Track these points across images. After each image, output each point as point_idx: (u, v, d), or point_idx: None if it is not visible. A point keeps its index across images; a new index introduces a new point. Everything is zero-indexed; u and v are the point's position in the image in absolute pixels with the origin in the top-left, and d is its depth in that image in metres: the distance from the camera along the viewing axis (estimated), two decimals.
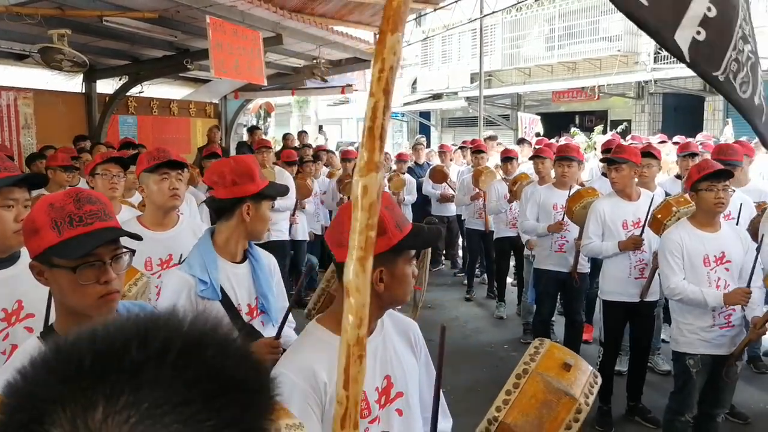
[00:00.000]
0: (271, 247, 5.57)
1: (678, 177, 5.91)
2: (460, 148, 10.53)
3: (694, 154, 6.03)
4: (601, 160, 4.54)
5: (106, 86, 10.66)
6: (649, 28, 1.31)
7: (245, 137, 12.44)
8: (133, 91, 10.59)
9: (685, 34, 1.32)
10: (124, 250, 1.67)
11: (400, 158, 9.77)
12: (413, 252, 1.77)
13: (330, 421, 1.67)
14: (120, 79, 10.41)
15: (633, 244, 4.43)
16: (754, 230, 4.26)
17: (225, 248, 2.54)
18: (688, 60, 1.33)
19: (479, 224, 7.84)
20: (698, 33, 1.33)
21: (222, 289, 2.46)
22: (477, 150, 7.97)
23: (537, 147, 7.56)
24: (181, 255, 2.53)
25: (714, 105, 17.63)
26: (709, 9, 1.33)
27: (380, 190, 0.87)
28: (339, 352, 0.91)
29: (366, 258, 0.84)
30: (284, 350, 2.44)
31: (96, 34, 8.19)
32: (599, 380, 1.48)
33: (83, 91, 10.42)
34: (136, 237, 1.70)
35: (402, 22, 0.85)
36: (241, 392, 0.56)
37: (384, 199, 1.73)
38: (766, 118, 1.43)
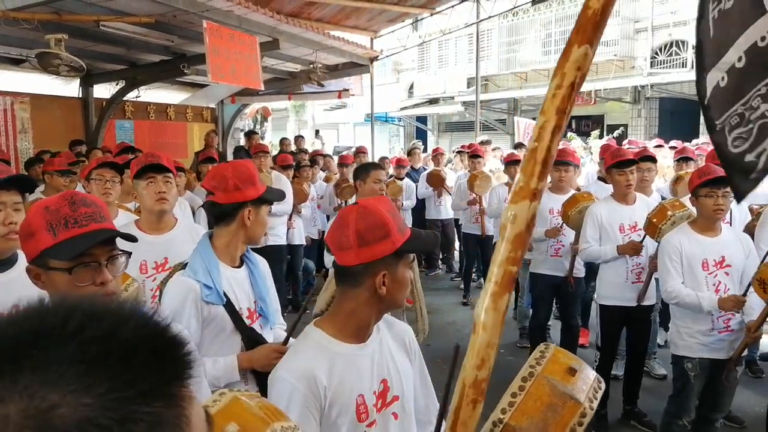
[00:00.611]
0: (268, 251, 5.58)
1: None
2: (458, 152, 10.55)
3: (688, 159, 6.05)
4: (616, 164, 4.53)
5: (103, 91, 10.67)
6: (703, 61, 1.36)
7: (242, 142, 12.45)
8: (130, 95, 10.59)
9: (713, 76, 1.36)
10: (120, 251, 1.66)
11: (399, 163, 9.78)
12: (412, 256, 1.81)
13: (329, 425, 1.69)
14: (117, 84, 10.42)
15: (632, 249, 4.43)
16: (749, 234, 4.27)
17: (225, 253, 2.53)
18: (705, 102, 1.38)
19: (476, 228, 7.85)
20: (722, 79, 1.37)
21: (225, 294, 2.46)
22: (474, 155, 7.98)
23: None
24: (186, 263, 2.53)
25: None
26: (739, 59, 1.36)
27: (533, 221, 0.75)
28: (455, 391, 0.80)
29: (501, 294, 0.75)
30: None
31: (93, 39, 8.21)
32: (603, 386, 1.49)
33: (80, 95, 10.44)
34: (131, 238, 1.70)
35: (597, 35, 0.72)
36: (141, 355, 0.57)
37: (386, 204, 1.75)
38: (755, 175, 1.45)
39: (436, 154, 9.87)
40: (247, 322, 2.51)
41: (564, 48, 0.73)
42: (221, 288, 2.44)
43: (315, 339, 1.77)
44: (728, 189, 3.62)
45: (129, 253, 1.70)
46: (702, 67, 1.37)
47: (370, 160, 10.31)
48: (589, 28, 0.70)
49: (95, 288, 1.57)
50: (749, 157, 1.45)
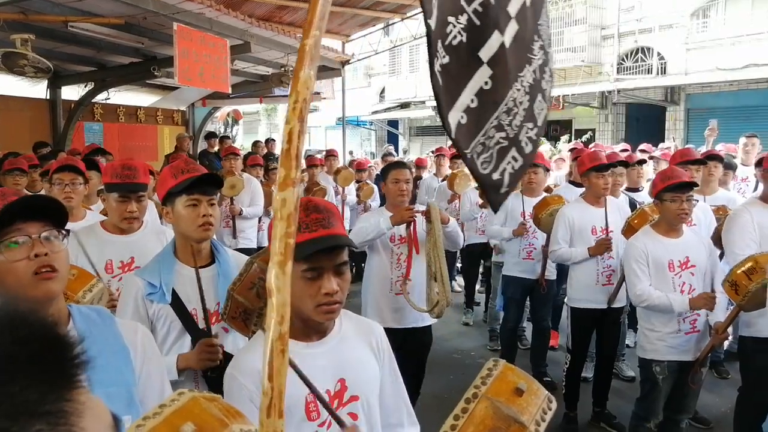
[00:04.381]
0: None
1: (629, 189, 5.99)
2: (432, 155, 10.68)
3: (641, 162, 6.20)
4: (596, 168, 4.60)
5: (72, 93, 10.52)
6: (441, 105, 1.65)
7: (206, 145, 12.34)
8: (99, 97, 10.47)
9: (455, 115, 1.67)
10: (56, 229, 1.57)
11: (360, 167, 9.79)
12: (310, 267, 1.64)
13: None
14: (86, 86, 10.29)
15: (603, 247, 4.49)
16: (717, 237, 4.32)
17: (182, 253, 2.50)
18: (453, 136, 1.68)
19: None
20: (462, 117, 1.69)
21: (176, 294, 2.42)
22: (455, 156, 8.20)
23: None
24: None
25: (675, 115, 18.03)
26: (472, 101, 1.70)
27: (297, 203, 0.97)
28: (264, 347, 0.99)
29: (285, 262, 0.94)
30: (226, 352, 2.39)
31: (61, 40, 8.10)
32: (554, 405, 1.46)
33: (47, 97, 10.28)
34: (57, 205, 1.60)
35: (315, 60, 0.99)
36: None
37: (303, 203, 1.69)
38: (504, 189, 1.85)
39: (420, 166, 10.04)
40: (203, 323, 2.45)
41: (294, 72, 1.02)
42: (169, 287, 2.40)
43: (263, 336, 1.77)
44: (692, 193, 3.69)
45: (67, 232, 1.61)
46: (442, 109, 1.65)
47: (341, 163, 10.33)
48: (309, 57, 1.00)
49: (30, 262, 1.50)
50: (495, 176, 1.82)
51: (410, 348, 4.12)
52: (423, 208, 4.04)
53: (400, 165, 4.33)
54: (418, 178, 9.11)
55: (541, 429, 1.38)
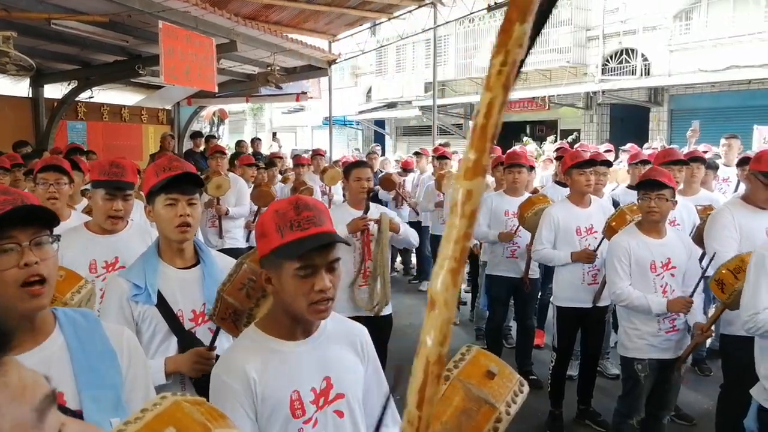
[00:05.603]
0: (226, 254, 5.51)
1: (630, 187, 5.99)
2: (416, 154, 10.72)
3: (646, 162, 6.22)
4: (577, 165, 4.62)
5: (55, 91, 10.44)
6: None
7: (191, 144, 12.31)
8: (83, 96, 10.39)
9: None
10: (47, 234, 1.54)
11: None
12: (303, 265, 1.65)
13: (264, 420, 1.67)
14: (69, 84, 10.21)
15: (586, 257, 4.52)
16: (698, 236, 4.37)
17: (166, 253, 2.48)
18: None
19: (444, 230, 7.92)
20: None
21: (161, 295, 2.38)
22: (441, 156, 8.29)
23: (493, 155, 7.93)
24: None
25: (659, 116, 18.18)
26: None
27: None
28: (415, 369, 0.83)
29: (459, 270, 0.72)
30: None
31: (44, 38, 8.04)
32: (526, 388, 1.47)
33: (30, 95, 10.19)
34: (51, 215, 1.56)
35: (532, 12, 0.76)
36: None
37: (276, 204, 1.72)
38: None
39: (406, 168, 10.19)
40: (190, 324, 2.43)
41: (503, 26, 0.72)
42: (154, 288, 2.37)
43: (249, 336, 1.78)
44: (663, 192, 3.72)
45: (58, 237, 1.58)
46: None
47: (327, 163, 10.33)
48: (528, 7, 0.68)
49: (19, 271, 1.46)
50: None
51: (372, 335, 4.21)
52: (377, 216, 4.33)
53: (362, 164, 4.62)
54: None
55: (512, 411, 1.39)
